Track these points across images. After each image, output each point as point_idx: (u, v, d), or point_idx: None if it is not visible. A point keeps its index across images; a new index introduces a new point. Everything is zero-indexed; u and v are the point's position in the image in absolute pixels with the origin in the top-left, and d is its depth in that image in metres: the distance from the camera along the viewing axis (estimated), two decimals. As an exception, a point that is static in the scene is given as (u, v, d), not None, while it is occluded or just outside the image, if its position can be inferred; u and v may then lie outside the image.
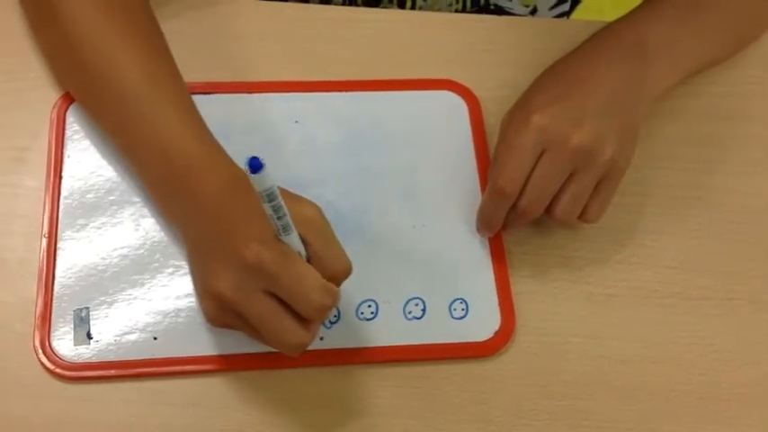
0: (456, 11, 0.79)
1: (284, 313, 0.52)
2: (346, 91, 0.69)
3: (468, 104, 0.69)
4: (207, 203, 0.55)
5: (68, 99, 0.65)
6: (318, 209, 0.54)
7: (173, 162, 0.57)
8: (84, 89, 0.62)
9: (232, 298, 0.52)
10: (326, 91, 0.69)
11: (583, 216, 0.60)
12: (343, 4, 0.77)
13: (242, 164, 0.46)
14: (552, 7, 0.83)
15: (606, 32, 0.65)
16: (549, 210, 0.60)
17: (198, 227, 0.56)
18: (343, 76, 0.70)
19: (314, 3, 0.77)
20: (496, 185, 0.59)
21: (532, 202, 0.59)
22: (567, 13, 0.86)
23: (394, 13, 0.76)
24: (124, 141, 0.61)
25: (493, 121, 0.68)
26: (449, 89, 0.70)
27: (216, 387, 0.58)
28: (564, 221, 0.60)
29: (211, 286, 0.53)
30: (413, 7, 0.78)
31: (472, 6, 0.79)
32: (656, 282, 0.64)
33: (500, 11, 0.80)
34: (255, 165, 0.45)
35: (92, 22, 0.60)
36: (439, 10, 0.79)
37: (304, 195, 0.63)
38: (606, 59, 0.62)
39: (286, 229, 0.51)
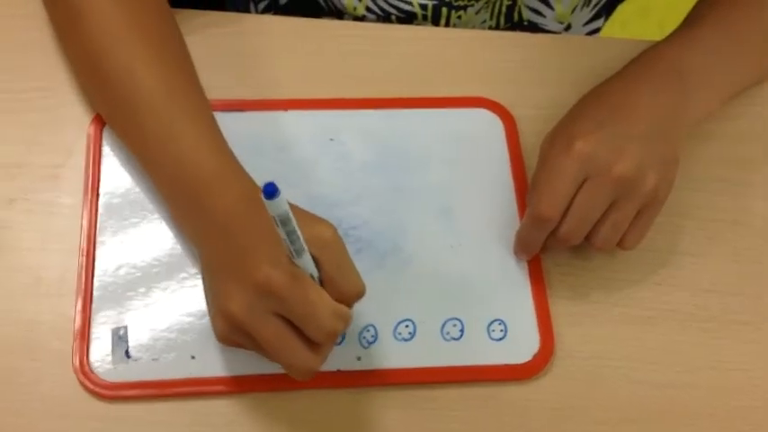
0: (490, 28, 0.79)
1: (294, 337, 0.52)
2: (381, 108, 0.69)
3: (504, 123, 0.69)
4: (219, 220, 0.55)
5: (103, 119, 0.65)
6: (334, 230, 0.53)
7: (186, 176, 0.57)
8: (105, 100, 0.62)
9: (243, 320, 0.52)
10: (361, 108, 0.69)
11: (621, 243, 0.60)
12: (377, 20, 0.77)
13: (261, 181, 0.46)
14: (586, 23, 0.83)
15: (647, 58, 0.64)
16: (588, 237, 0.60)
17: (211, 244, 0.56)
18: (377, 93, 0.69)
19: (348, 19, 0.77)
20: (537, 211, 0.58)
21: (573, 230, 0.59)
22: (599, 29, 0.86)
23: (428, 31, 0.75)
24: (141, 153, 0.60)
25: (527, 141, 0.68)
26: (484, 107, 0.70)
27: (255, 407, 0.58)
28: (602, 249, 0.60)
29: (223, 306, 0.53)
30: (447, 25, 0.78)
31: (506, 23, 0.79)
32: (694, 305, 0.63)
33: (534, 27, 0.80)
34: (270, 191, 0.45)
35: (113, 33, 0.60)
36: (473, 27, 0.79)
37: (340, 212, 0.63)
38: (648, 86, 0.62)
39: (299, 252, 0.50)
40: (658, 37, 0.67)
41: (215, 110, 0.66)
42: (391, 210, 0.65)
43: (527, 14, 0.79)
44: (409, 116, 0.69)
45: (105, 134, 0.65)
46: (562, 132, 0.60)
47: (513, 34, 0.75)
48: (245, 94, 0.68)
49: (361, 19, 0.77)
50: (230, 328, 0.53)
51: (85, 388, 0.57)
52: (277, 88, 0.69)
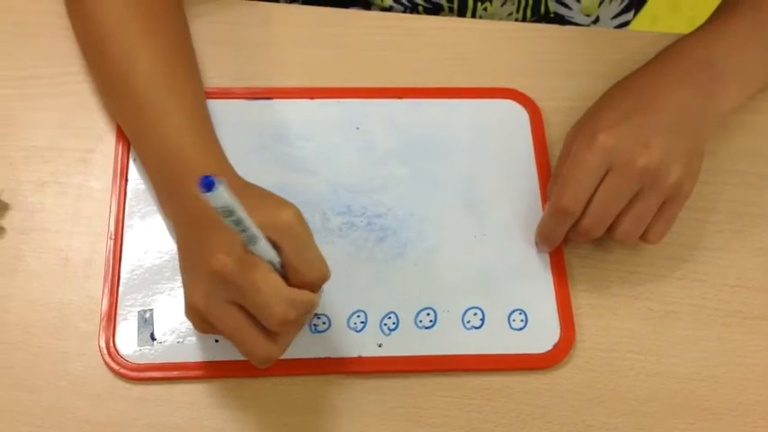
0: (516, 20, 0.79)
1: (250, 326, 0.51)
2: (407, 98, 0.69)
3: (529, 114, 0.69)
4: (191, 207, 0.55)
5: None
6: (297, 213, 0.52)
7: (168, 160, 0.58)
8: (103, 80, 0.64)
9: (203, 308, 0.52)
10: (387, 98, 0.69)
11: (644, 237, 0.60)
12: (404, 11, 0.78)
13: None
14: (615, 16, 0.83)
15: (675, 50, 0.64)
16: (610, 230, 0.60)
17: (184, 233, 0.57)
18: (403, 83, 0.70)
19: (375, 10, 0.78)
20: (559, 204, 0.58)
21: (595, 223, 0.59)
22: (628, 22, 0.85)
23: (455, 21, 0.75)
24: (131, 133, 0.62)
25: (553, 132, 0.68)
26: (511, 98, 0.70)
27: (276, 390, 0.58)
28: (624, 242, 0.60)
29: (187, 296, 0.54)
30: (473, 17, 0.78)
31: (532, 16, 0.79)
32: (718, 300, 0.63)
33: (561, 20, 0.80)
34: (207, 183, 0.43)
35: (117, 15, 0.61)
36: (499, 19, 0.79)
37: (364, 200, 0.64)
38: (674, 78, 0.62)
39: (252, 240, 0.49)
40: (688, 31, 0.67)
41: (240, 98, 0.67)
42: (415, 199, 0.65)
43: (554, 7, 0.79)
44: (435, 106, 0.69)
45: (135, 120, 0.66)
46: (587, 125, 0.60)
47: (541, 26, 0.75)
48: (271, 83, 0.69)
49: (389, 10, 0.77)
50: (197, 318, 0.53)
51: (111, 369, 0.58)
52: (303, 77, 0.70)
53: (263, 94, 0.68)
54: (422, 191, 0.65)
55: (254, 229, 0.49)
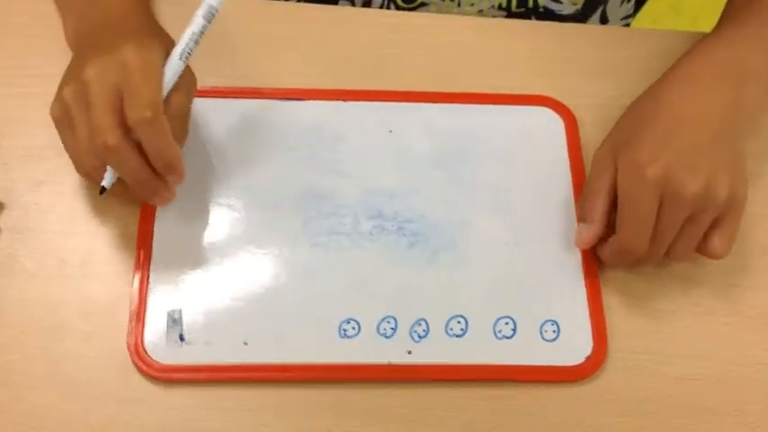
0: (500, 7, 0.78)
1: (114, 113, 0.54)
2: (441, 102, 0.68)
3: (565, 122, 0.68)
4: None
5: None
6: (134, 53, 0.56)
7: None
8: None
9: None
10: (421, 102, 0.68)
11: (709, 252, 0.60)
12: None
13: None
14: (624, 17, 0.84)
15: (701, 56, 0.63)
16: (666, 252, 0.60)
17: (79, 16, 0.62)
18: (429, 85, 0.69)
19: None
20: (626, 243, 0.58)
21: (656, 253, 0.60)
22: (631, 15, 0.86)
23: (472, 21, 0.74)
24: None
25: (585, 132, 0.68)
26: (546, 105, 0.69)
27: (304, 396, 0.58)
28: (681, 261, 0.61)
29: (74, 74, 0.57)
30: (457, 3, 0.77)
31: (518, 6, 0.78)
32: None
33: (551, 14, 0.79)
34: None
35: None
36: (481, 11, 0.77)
37: (396, 205, 0.63)
38: (705, 87, 0.61)
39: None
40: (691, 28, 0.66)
41: (271, 98, 0.67)
42: (448, 205, 0.64)
43: (543, 1, 0.78)
44: (469, 111, 0.68)
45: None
46: (627, 153, 0.59)
47: (554, 24, 0.74)
48: (305, 83, 0.68)
49: (369, 1, 0.77)
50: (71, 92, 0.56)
51: (139, 369, 0.57)
52: (335, 78, 0.69)
53: (295, 95, 0.67)
54: (454, 197, 0.65)
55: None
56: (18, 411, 0.56)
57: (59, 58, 0.61)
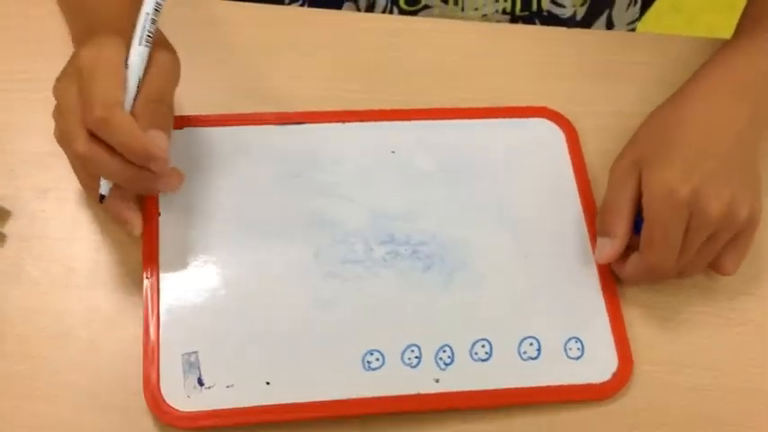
0: (504, 11, 0.77)
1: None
2: (440, 119, 0.67)
3: (565, 133, 0.68)
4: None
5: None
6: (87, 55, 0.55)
7: None
8: None
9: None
10: (421, 119, 0.67)
11: (722, 269, 0.60)
12: (387, 3, 0.76)
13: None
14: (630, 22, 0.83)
15: (721, 68, 0.63)
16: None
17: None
18: (423, 96, 0.68)
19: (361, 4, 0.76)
20: (654, 264, 0.58)
21: (683, 273, 0.60)
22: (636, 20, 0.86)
23: (473, 25, 0.74)
24: None
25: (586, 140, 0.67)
26: (544, 117, 0.68)
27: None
28: (691, 276, 0.61)
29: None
30: (456, 2, 0.76)
31: (522, 10, 0.77)
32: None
33: (555, 19, 0.78)
34: None
35: None
36: (485, 16, 0.77)
37: (407, 228, 0.62)
38: (729, 104, 0.61)
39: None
40: (689, 27, 0.66)
41: (270, 123, 0.65)
42: (458, 224, 0.63)
43: (547, 5, 0.77)
44: (468, 127, 0.67)
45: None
46: (652, 173, 0.58)
47: (552, 29, 0.74)
48: (302, 107, 0.66)
49: (372, 3, 0.76)
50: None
51: (158, 418, 0.54)
52: (329, 83, 0.68)
53: (295, 119, 0.65)
54: (462, 215, 0.63)
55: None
56: (22, 421, 0.55)
57: (62, 61, 0.59)
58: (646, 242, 0.58)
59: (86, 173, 0.57)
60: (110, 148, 0.54)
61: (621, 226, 0.59)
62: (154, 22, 0.56)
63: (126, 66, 0.55)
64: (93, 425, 0.55)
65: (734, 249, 0.59)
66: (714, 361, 0.60)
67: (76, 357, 0.56)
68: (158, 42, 0.57)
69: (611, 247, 0.60)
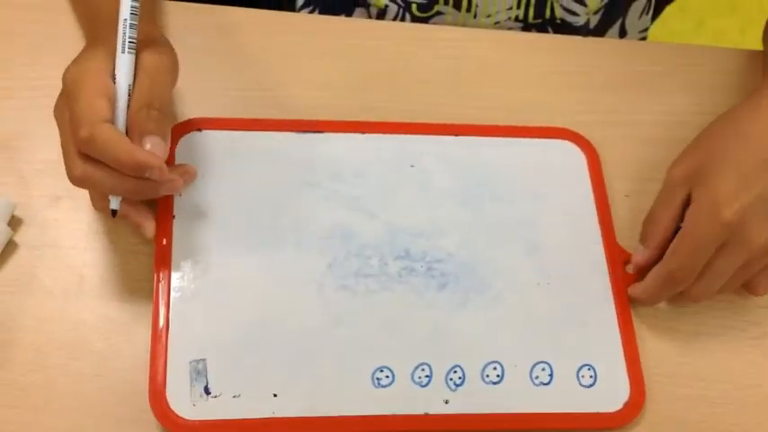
0: (516, 18, 0.77)
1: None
2: (462, 135, 0.66)
3: (586, 156, 0.67)
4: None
5: (178, 132, 0.62)
6: (70, 71, 0.54)
7: None
8: None
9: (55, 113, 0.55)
10: (441, 134, 0.66)
11: (754, 292, 0.59)
12: (399, 9, 0.75)
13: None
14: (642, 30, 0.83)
15: None
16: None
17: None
18: (427, 97, 0.68)
19: (372, 10, 0.76)
20: (671, 273, 0.57)
21: (702, 292, 0.58)
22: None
23: (487, 33, 0.73)
24: None
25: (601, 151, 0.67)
26: (566, 138, 0.67)
27: (338, 451, 0.55)
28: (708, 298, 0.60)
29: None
30: (468, 8, 0.75)
31: (535, 18, 0.77)
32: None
33: (568, 27, 0.78)
34: None
35: None
36: (497, 23, 0.76)
37: (424, 244, 0.61)
38: None
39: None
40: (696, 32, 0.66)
41: (289, 130, 0.64)
42: (476, 243, 0.62)
43: (560, 13, 0.77)
44: (490, 145, 0.66)
45: (179, 151, 0.62)
46: (704, 182, 0.57)
47: (567, 38, 0.74)
48: (320, 115, 0.65)
49: (384, 9, 0.75)
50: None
51: (164, 425, 0.53)
52: (342, 91, 0.67)
53: (312, 128, 0.64)
54: (481, 235, 0.62)
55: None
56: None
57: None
58: (671, 249, 0.57)
59: (96, 197, 0.57)
60: (105, 165, 0.53)
61: (657, 237, 0.59)
62: (133, 27, 0.54)
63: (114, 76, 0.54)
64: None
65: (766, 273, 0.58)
66: (730, 374, 0.60)
67: (89, 367, 0.56)
68: (148, 43, 0.56)
69: (640, 255, 0.59)
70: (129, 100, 0.54)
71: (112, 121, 0.53)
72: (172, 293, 0.57)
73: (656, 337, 0.61)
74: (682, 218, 0.59)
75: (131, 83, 0.54)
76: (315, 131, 0.64)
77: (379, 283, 0.59)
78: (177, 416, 0.54)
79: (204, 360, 0.55)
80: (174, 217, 0.59)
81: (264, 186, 0.61)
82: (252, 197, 0.61)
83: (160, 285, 0.57)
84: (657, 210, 0.60)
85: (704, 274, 0.57)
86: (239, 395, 0.55)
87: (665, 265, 0.58)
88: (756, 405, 0.59)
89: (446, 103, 0.68)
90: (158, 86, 0.55)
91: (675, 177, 0.59)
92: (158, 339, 0.55)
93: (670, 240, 0.58)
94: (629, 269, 0.61)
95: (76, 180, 0.54)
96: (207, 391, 0.54)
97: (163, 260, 0.58)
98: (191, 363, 0.55)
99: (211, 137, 0.63)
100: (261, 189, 0.61)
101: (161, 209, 0.59)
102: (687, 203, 0.58)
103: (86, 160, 0.53)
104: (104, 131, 0.52)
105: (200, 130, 0.63)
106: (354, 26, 0.72)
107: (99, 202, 0.57)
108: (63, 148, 0.54)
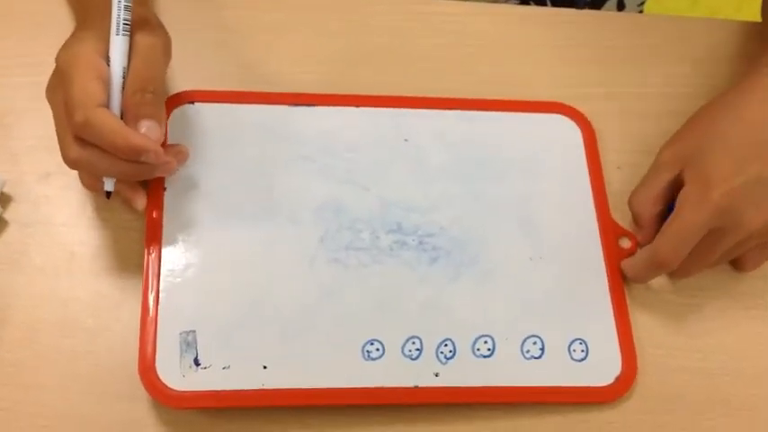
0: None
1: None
2: (456, 109, 0.66)
3: (582, 130, 0.66)
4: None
5: (171, 104, 0.62)
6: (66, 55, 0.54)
7: None
8: None
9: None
10: (436, 108, 0.66)
11: (742, 269, 0.59)
12: None
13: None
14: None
15: None
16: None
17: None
18: (422, 73, 0.67)
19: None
20: (659, 258, 0.57)
21: (687, 271, 0.58)
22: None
23: (484, 7, 0.72)
24: None
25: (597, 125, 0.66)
26: (561, 113, 0.67)
27: (327, 421, 0.55)
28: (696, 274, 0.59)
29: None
30: None
31: None
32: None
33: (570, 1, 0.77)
34: None
35: None
36: None
37: (416, 218, 0.61)
38: None
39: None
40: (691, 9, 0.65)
41: (282, 103, 0.63)
42: (469, 218, 0.62)
43: None
44: (485, 119, 0.66)
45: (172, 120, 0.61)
46: (697, 163, 0.57)
47: (567, 11, 0.73)
48: (315, 88, 0.65)
49: None
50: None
51: (153, 396, 0.54)
52: (334, 66, 0.67)
53: (305, 101, 0.64)
54: (475, 210, 0.62)
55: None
56: (26, 411, 0.54)
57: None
58: (662, 230, 0.57)
59: (86, 175, 0.57)
60: (100, 148, 0.52)
61: (647, 218, 0.59)
62: (127, 8, 0.54)
63: (108, 59, 0.54)
64: (95, 411, 0.54)
65: (761, 253, 0.58)
66: (724, 346, 0.60)
67: (81, 344, 0.56)
68: (142, 25, 0.55)
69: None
70: (123, 83, 0.54)
71: (107, 104, 0.53)
72: (162, 266, 0.57)
73: (650, 310, 0.60)
74: (666, 199, 0.58)
75: (125, 65, 0.54)
76: (308, 105, 0.64)
77: (371, 257, 0.59)
78: (166, 387, 0.54)
79: (194, 332, 0.55)
80: (165, 189, 0.59)
81: (257, 159, 0.61)
82: (244, 170, 0.61)
83: (150, 258, 0.57)
84: (647, 188, 0.59)
85: (693, 255, 0.56)
86: (229, 366, 0.55)
87: (653, 247, 0.57)
88: (755, 377, 0.59)
89: (442, 78, 0.67)
90: (153, 69, 0.55)
91: (666, 157, 0.59)
92: (148, 311, 0.55)
93: (659, 218, 0.58)
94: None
95: (72, 163, 0.54)
96: (197, 363, 0.55)
97: (154, 233, 0.58)
98: (180, 334, 0.55)
99: (204, 110, 0.62)
100: (253, 162, 0.61)
101: (152, 181, 0.59)
102: (675, 186, 0.58)
103: (81, 144, 0.53)
104: (99, 116, 0.52)
105: (192, 102, 0.62)
106: (351, 0, 0.72)
107: (89, 180, 0.57)
108: (57, 131, 0.54)
